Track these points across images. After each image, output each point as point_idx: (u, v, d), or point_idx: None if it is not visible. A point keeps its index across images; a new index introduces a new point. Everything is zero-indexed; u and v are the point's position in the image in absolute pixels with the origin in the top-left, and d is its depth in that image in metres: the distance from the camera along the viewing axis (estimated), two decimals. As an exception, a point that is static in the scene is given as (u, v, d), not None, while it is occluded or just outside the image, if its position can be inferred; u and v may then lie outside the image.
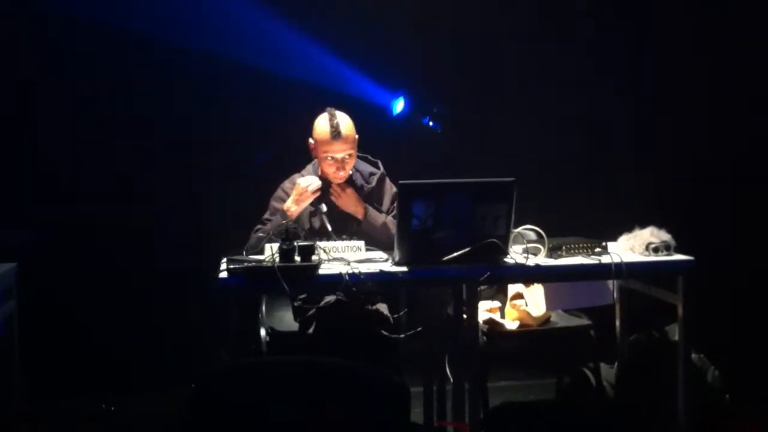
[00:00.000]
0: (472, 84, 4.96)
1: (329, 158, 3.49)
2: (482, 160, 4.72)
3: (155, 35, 4.55)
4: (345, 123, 3.49)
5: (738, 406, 3.74)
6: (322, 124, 3.50)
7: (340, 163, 3.49)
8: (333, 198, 3.56)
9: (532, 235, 3.31)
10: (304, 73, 4.73)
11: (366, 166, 3.69)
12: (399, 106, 4.93)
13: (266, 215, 3.54)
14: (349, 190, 3.57)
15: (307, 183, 3.41)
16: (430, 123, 5.00)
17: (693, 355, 3.57)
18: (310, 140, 3.55)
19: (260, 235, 3.39)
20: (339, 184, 3.56)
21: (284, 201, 3.49)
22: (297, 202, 3.42)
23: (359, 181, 3.64)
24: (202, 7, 4.64)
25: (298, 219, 3.44)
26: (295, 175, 3.63)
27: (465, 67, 4.94)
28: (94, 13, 4.50)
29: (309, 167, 3.66)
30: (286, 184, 3.60)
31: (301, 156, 3.72)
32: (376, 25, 4.77)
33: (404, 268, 3.09)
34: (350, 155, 3.51)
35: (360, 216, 3.53)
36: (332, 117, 3.49)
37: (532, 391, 4.31)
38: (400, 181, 3.08)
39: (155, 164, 4.68)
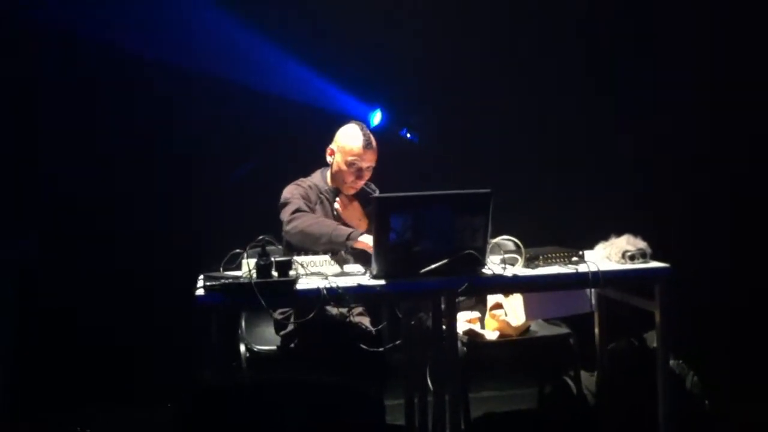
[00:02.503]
0: (448, 95, 4.98)
1: (354, 166, 3.53)
2: (460, 171, 4.74)
3: (142, 51, 4.60)
4: (373, 137, 3.58)
5: (717, 412, 3.76)
6: (353, 134, 3.55)
7: (362, 173, 3.55)
8: (339, 209, 3.58)
9: (510, 246, 3.33)
10: (281, 87, 4.75)
11: (364, 186, 3.71)
12: (376, 118, 4.95)
13: (292, 207, 3.44)
14: (355, 203, 3.62)
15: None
16: (408, 135, 5.01)
17: (672, 362, 3.59)
18: (331, 148, 3.60)
19: (314, 218, 3.39)
20: (346, 196, 3.60)
21: (306, 197, 3.51)
22: (367, 247, 3.23)
23: (369, 188, 3.69)
24: (183, 23, 4.67)
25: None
26: (302, 179, 3.63)
27: (441, 78, 4.96)
28: (94, 28, 4.56)
29: (317, 174, 3.68)
30: (300, 185, 3.58)
31: (283, 166, 3.79)
32: (352, 38, 4.79)
33: (382, 282, 3.08)
34: (371, 168, 3.58)
35: (362, 230, 3.52)
36: (363, 128, 3.58)
37: (514, 400, 4.32)
38: (375, 195, 3.07)
39: (153, 173, 4.74)
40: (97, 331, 4.51)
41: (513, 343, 3.66)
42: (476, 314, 3.76)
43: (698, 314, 4.44)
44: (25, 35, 4.56)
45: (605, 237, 3.43)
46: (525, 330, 3.71)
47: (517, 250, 3.28)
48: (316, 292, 3.00)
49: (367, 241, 3.23)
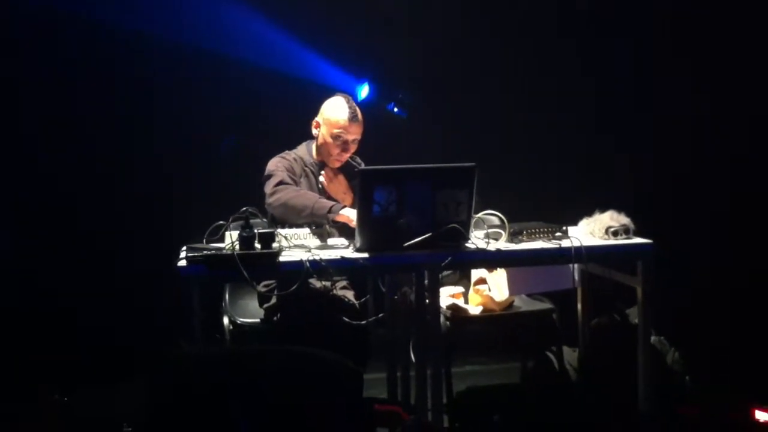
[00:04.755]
0: (436, 70, 4.96)
1: (339, 139, 3.51)
2: (447, 146, 4.74)
3: (122, 22, 4.56)
4: (359, 110, 3.54)
5: (698, 388, 3.78)
6: (339, 106, 3.53)
7: (348, 146, 3.53)
8: (324, 183, 3.57)
9: (494, 220, 3.32)
10: (267, 60, 4.72)
11: (349, 160, 3.69)
12: (364, 92, 4.92)
13: (276, 180, 3.42)
14: (341, 177, 3.60)
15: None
16: (396, 109, 4.99)
17: (653, 338, 3.61)
18: (317, 120, 3.58)
19: (296, 191, 3.37)
20: (332, 170, 3.58)
21: (291, 170, 3.49)
22: (349, 221, 3.25)
23: (354, 162, 3.66)
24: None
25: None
26: (287, 152, 3.61)
27: (429, 52, 4.94)
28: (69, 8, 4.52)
29: (302, 147, 3.66)
30: (285, 158, 3.56)
31: (269, 138, 3.79)
32: (340, 11, 4.76)
33: (366, 255, 3.08)
34: (357, 141, 3.55)
35: (348, 204, 3.50)
36: (349, 101, 3.55)
37: (497, 375, 4.34)
38: (360, 168, 3.06)
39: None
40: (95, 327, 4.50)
41: (496, 318, 3.67)
42: (460, 289, 3.76)
43: (682, 292, 4.46)
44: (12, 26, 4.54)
45: (589, 213, 3.43)
46: (508, 305, 3.72)
47: (501, 225, 3.28)
48: (299, 264, 2.99)
49: (348, 214, 3.23)
